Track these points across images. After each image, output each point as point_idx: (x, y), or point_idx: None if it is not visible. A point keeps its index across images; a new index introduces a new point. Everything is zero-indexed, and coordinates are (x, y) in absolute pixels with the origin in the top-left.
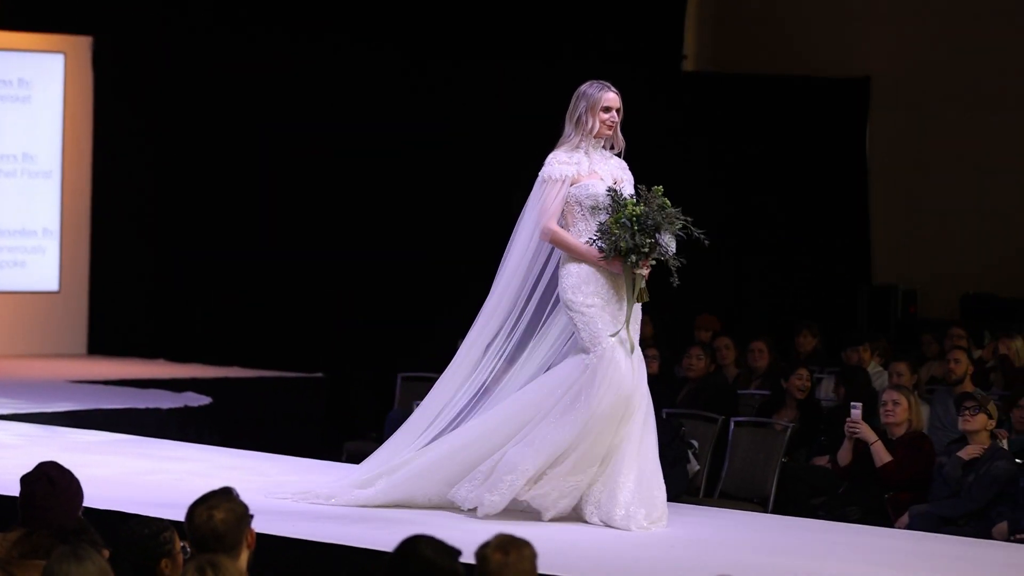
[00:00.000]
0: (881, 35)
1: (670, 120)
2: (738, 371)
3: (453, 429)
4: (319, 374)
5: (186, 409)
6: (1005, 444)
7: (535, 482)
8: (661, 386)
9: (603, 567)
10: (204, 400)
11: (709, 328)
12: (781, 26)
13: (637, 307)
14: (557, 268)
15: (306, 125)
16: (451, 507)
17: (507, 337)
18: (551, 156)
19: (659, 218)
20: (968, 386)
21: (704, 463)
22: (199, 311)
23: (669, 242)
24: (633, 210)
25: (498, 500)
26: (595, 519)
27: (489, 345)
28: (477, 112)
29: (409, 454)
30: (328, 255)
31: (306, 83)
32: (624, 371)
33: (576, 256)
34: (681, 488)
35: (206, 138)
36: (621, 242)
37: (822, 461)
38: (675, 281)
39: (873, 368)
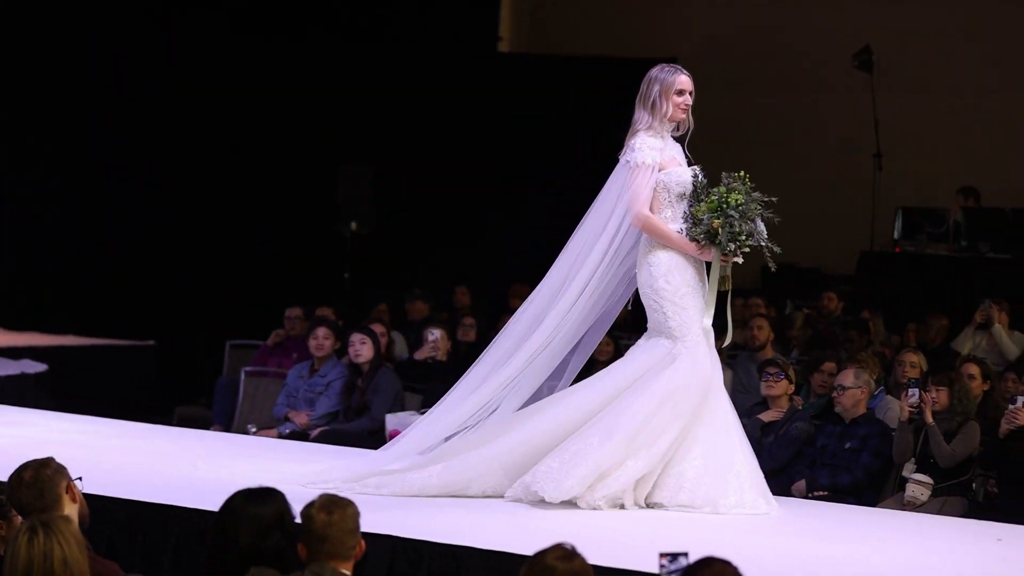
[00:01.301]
0: (687, 16)
1: (486, 102)
2: None
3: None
4: (151, 342)
5: (23, 376)
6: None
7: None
8: (478, 353)
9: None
10: (40, 367)
11: (523, 296)
12: (593, 8)
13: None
14: (634, 256)
15: (133, 93)
16: (500, 497)
17: (579, 324)
18: (637, 140)
19: (751, 204)
20: (769, 352)
21: None
22: (35, 281)
23: (762, 228)
24: (735, 198)
25: (573, 485)
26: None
27: (556, 329)
28: (304, 90)
29: (459, 442)
30: (159, 227)
31: (125, 52)
32: (707, 362)
33: (666, 243)
34: None
35: (32, 108)
36: (721, 230)
37: None
38: (772, 266)
39: None
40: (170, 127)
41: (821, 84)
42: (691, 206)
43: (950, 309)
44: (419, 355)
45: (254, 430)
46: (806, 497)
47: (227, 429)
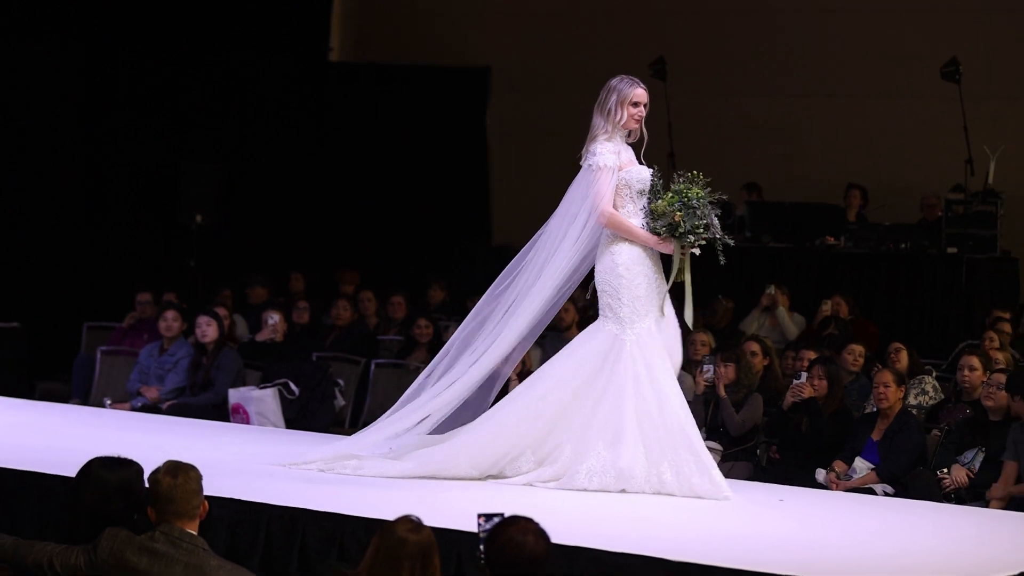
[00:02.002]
0: (500, 29)
1: (318, 107)
2: (378, 320)
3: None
4: (15, 324)
5: None
6: None
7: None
8: (311, 333)
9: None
10: None
11: (351, 283)
12: (416, 19)
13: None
14: (593, 250)
15: None
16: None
17: (540, 320)
18: (598, 146)
19: (708, 199)
20: (574, 332)
21: (349, 399)
22: None
23: (717, 222)
24: (696, 192)
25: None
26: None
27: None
28: (145, 93)
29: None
30: (20, 217)
31: None
32: (658, 345)
33: (629, 237)
34: (329, 421)
35: None
36: (683, 222)
37: None
38: (722, 259)
39: None
40: (31, 118)
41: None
42: (651, 202)
43: (736, 293)
44: (260, 336)
45: (109, 403)
46: None
47: (84, 403)
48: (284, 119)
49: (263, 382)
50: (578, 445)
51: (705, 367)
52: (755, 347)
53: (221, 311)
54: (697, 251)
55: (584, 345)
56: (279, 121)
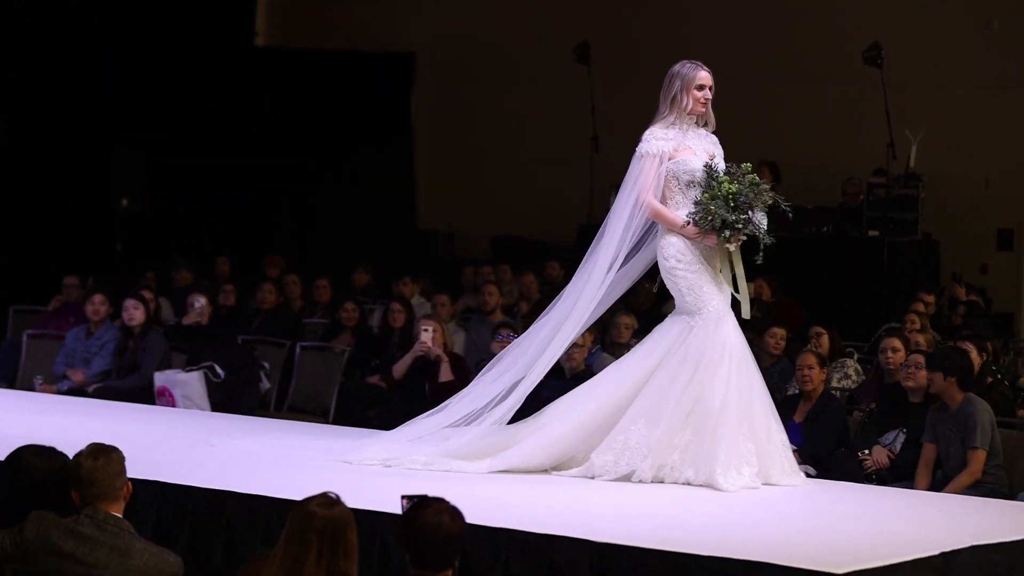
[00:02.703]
0: (425, 15)
1: (244, 93)
2: (303, 303)
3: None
4: None
5: None
6: None
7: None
8: (237, 317)
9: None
10: None
11: (277, 266)
12: (342, 4)
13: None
14: (655, 239)
15: None
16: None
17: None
18: (647, 132)
19: (751, 195)
20: (498, 315)
21: (275, 382)
22: None
23: (761, 219)
24: (729, 187)
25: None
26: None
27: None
28: (73, 78)
29: (513, 429)
30: None
31: None
32: (731, 333)
33: (673, 228)
34: (254, 403)
35: None
36: (716, 219)
37: (374, 379)
38: (759, 259)
39: (417, 300)
40: None
41: (546, 75)
42: (702, 194)
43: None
44: (186, 320)
45: (40, 380)
46: None
47: (11, 386)
48: (210, 104)
49: (189, 365)
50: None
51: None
52: None
53: (147, 294)
54: (731, 246)
55: (658, 338)
56: (205, 106)
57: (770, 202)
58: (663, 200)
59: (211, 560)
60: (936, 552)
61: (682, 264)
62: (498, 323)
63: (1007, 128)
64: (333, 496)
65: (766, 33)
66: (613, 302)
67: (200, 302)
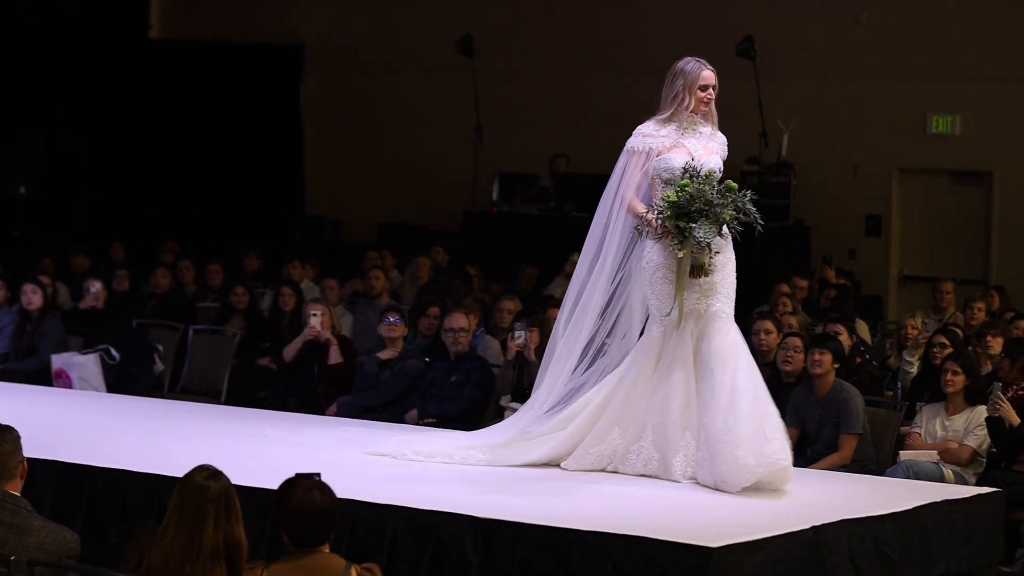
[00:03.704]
0: (313, 7)
1: (138, 83)
2: (196, 288)
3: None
4: None
5: None
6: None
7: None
8: (132, 301)
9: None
10: None
11: (171, 252)
12: None
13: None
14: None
15: None
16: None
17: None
18: (638, 128)
19: (702, 205)
20: (385, 299)
21: (168, 364)
22: None
23: (707, 232)
24: (667, 195)
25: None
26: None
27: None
28: None
29: (538, 426)
30: None
31: None
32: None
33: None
34: (149, 384)
35: None
36: (667, 222)
37: (265, 361)
38: (708, 271)
39: (306, 284)
40: None
41: (431, 66)
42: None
43: (541, 261)
44: (83, 304)
45: None
46: (417, 424)
47: None
48: (105, 94)
49: (85, 348)
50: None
51: (516, 333)
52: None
53: (45, 279)
54: (680, 254)
55: (635, 347)
56: (101, 96)
57: (728, 218)
58: (651, 199)
59: (108, 537)
60: (807, 526)
61: (650, 266)
62: (385, 307)
63: (875, 118)
64: (212, 468)
65: (643, 27)
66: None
67: (96, 287)
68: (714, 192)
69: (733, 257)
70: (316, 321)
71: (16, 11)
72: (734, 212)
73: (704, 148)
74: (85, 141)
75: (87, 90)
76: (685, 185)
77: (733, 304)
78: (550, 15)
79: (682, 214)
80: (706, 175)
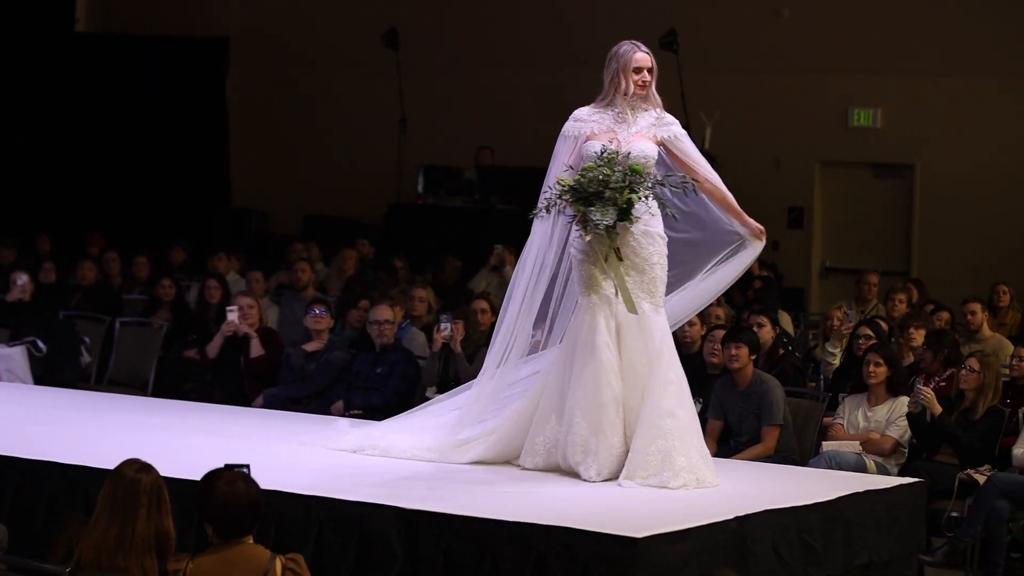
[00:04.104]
0: (238, 0)
1: (63, 76)
2: (122, 280)
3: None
4: None
5: None
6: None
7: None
8: (58, 293)
9: None
10: None
11: (97, 244)
12: None
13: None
14: None
15: None
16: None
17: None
18: (573, 112)
19: (597, 188)
20: (311, 291)
21: (95, 356)
22: None
23: (603, 215)
24: (577, 177)
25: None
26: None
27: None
28: None
29: (494, 420)
30: None
31: None
32: (591, 328)
33: None
34: (75, 376)
35: None
36: (572, 206)
37: (191, 353)
38: (619, 256)
39: (232, 276)
40: None
41: (355, 59)
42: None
43: (466, 253)
44: (9, 296)
45: None
46: (343, 415)
47: None
48: (30, 87)
49: (12, 340)
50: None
51: (442, 324)
52: (484, 304)
53: None
54: (586, 238)
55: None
56: (26, 89)
57: (624, 201)
58: None
59: (33, 527)
60: (731, 516)
61: (574, 247)
62: (311, 299)
63: (796, 111)
64: (141, 462)
65: (566, 19)
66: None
67: (22, 279)
68: (616, 175)
69: (659, 250)
70: (233, 316)
71: None
72: (634, 195)
73: (635, 134)
74: (10, 134)
75: (12, 84)
76: (588, 168)
77: (657, 296)
78: (474, 8)
79: (580, 198)
80: (608, 158)
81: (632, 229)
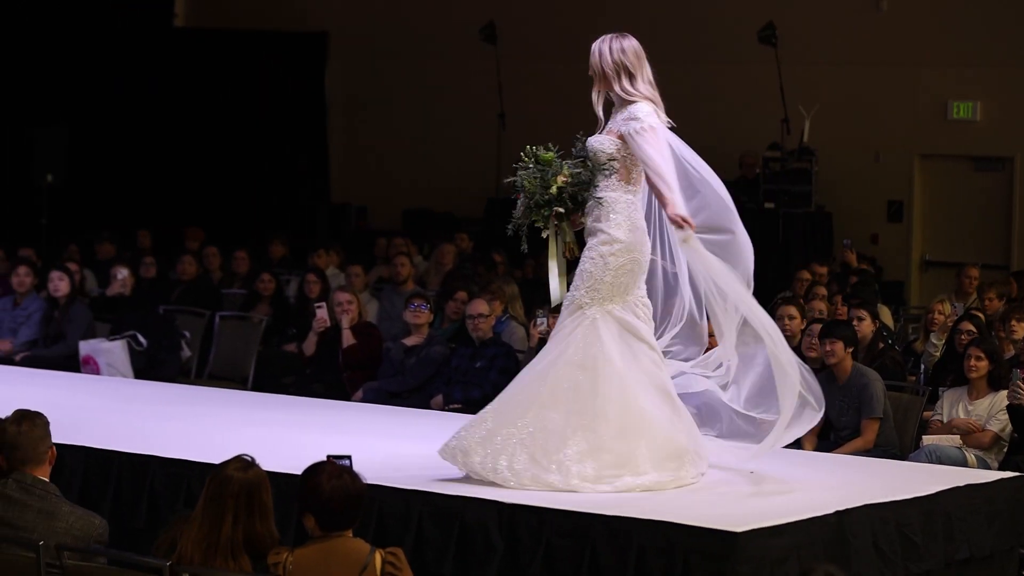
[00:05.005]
0: None
1: (163, 71)
2: (222, 274)
3: None
4: None
5: None
6: None
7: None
8: (158, 287)
9: None
10: None
11: (196, 238)
12: None
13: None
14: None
15: None
16: None
17: None
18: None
19: (527, 184)
20: (410, 285)
21: (195, 350)
22: None
23: (519, 210)
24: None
25: None
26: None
27: None
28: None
29: None
30: None
31: None
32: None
33: None
34: (176, 371)
35: None
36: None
37: (291, 348)
38: (524, 247)
39: (331, 271)
40: None
41: (454, 53)
42: None
43: None
44: (110, 291)
45: None
46: (443, 409)
47: None
48: (131, 83)
49: (112, 334)
50: None
51: (539, 320)
52: None
53: (72, 266)
54: (544, 235)
55: None
56: (126, 84)
57: (534, 193)
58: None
59: (134, 522)
60: (831, 511)
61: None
62: (410, 293)
63: (895, 104)
64: (248, 459)
65: (667, 13)
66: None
67: (122, 273)
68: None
69: (599, 248)
70: (322, 313)
71: (42, 1)
72: (555, 183)
73: (607, 130)
74: (111, 129)
75: (113, 79)
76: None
77: (589, 293)
78: (572, 1)
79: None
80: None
81: (584, 220)
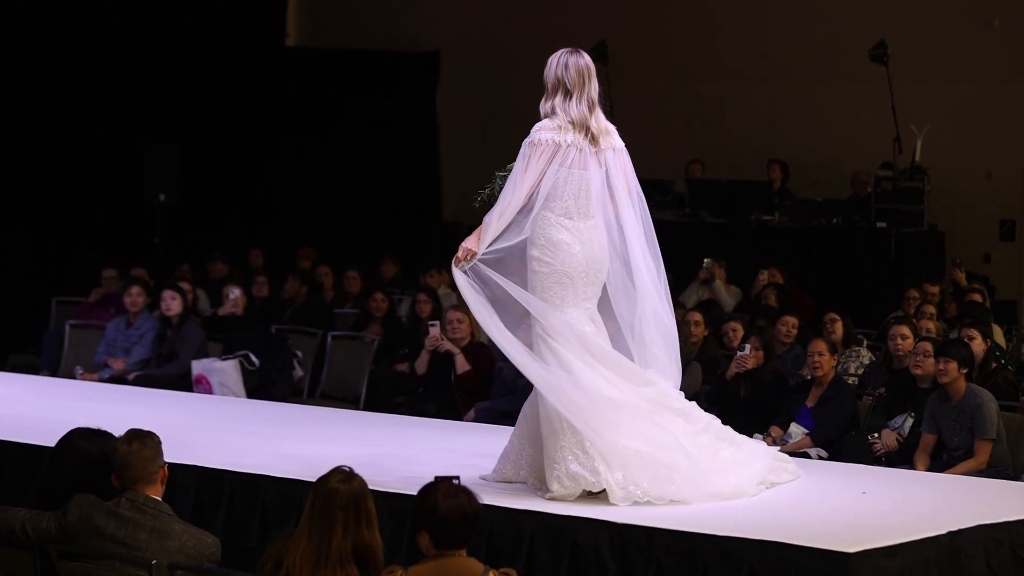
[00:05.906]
0: (449, 14)
1: (275, 91)
2: (334, 294)
3: None
4: None
5: None
6: None
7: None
8: (270, 307)
9: None
10: None
11: (308, 258)
12: (369, 5)
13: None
14: None
15: None
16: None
17: None
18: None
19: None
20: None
21: (307, 370)
22: None
23: None
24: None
25: None
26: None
27: None
28: (109, 78)
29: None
30: None
31: None
32: None
33: None
34: (288, 390)
35: None
36: None
37: (403, 367)
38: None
39: (443, 291)
40: None
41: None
42: None
43: (675, 267)
44: (222, 311)
45: (81, 372)
46: None
47: (54, 375)
48: (242, 102)
49: (225, 354)
50: None
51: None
52: (698, 317)
53: (185, 286)
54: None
55: None
56: (238, 104)
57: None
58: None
59: (246, 540)
60: (943, 531)
61: None
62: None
63: (1008, 122)
64: (348, 469)
65: (780, 33)
66: None
67: (235, 293)
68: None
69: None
70: (435, 331)
71: (155, 20)
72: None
73: None
74: (222, 148)
75: (224, 98)
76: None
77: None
78: (685, 20)
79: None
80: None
81: None
